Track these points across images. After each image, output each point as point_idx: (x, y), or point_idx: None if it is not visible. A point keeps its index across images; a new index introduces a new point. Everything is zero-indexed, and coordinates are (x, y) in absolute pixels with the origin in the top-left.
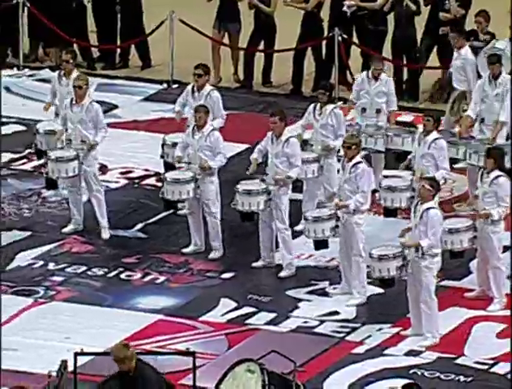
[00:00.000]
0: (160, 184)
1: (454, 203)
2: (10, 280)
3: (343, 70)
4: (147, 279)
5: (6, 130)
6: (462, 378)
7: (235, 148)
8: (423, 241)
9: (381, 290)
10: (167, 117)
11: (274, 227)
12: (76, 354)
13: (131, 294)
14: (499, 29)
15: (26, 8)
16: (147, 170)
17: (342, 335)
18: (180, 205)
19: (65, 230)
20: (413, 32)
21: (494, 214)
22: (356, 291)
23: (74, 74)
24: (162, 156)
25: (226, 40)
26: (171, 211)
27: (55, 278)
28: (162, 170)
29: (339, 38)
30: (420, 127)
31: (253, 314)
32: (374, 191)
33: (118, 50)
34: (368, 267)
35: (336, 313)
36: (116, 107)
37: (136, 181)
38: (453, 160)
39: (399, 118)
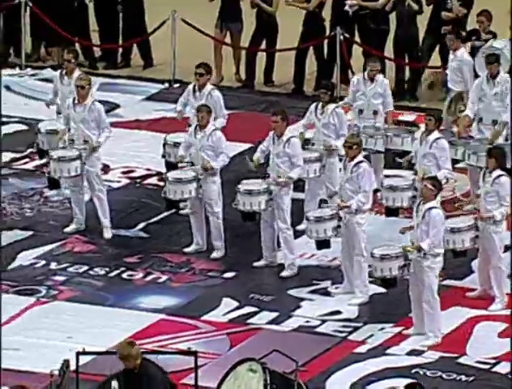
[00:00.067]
0: (161, 183)
1: (455, 202)
2: (12, 280)
3: (344, 69)
4: (149, 278)
5: (7, 129)
6: (464, 378)
7: (237, 148)
8: (423, 243)
9: (383, 290)
10: (169, 117)
11: (275, 226)
12: (78, 353)
13: (133, 294)
14: (501, 29)
15: (28, 8)
16: (148, 170)
17: (344, 334)
18: (182, 204)
19: (67, 230)
20: (415, 32)
21: (496, 214)
22: (358, 290)
23: (76, 73)
24: (163, 156)
25: (228, 39)
26: (173, 210)
27: (57, 277)
28: (164, 170)
29: (341, 37)
30: (422, 127)
31: (255, 313)
32: (376, 191)
33: (120, 50)
34: (369, 266)
35: (338, 312)
36: (118, 106)
37: (138, 180)
38: (454, 161)
39: (401, 118)
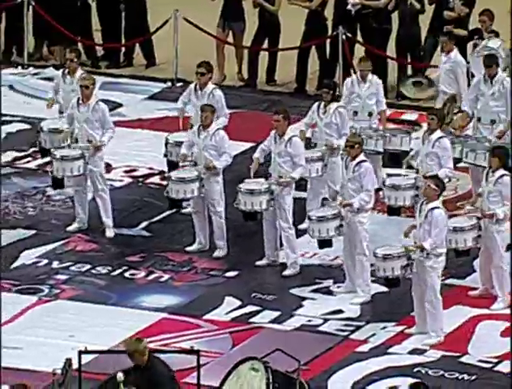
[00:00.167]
0: (164, 182)
1: (457, 201)
2: (14, 279)
3: (347, 68)
4: (151, 277)
5: (10, 128)
6: (466, 377)
7: (239, 147)
8: (426, 243)
9: (385, 288)
10: (171, 116)
11: (278, 226)
12: (80, 352)
13: (135, 293)
14: (503, 28)
15: (31, 7)
16: (151, 169)
17: (346, 333)
18: (185, 203)
19: (69, 229)
20: (417, 31)
21: (499, 213)
22: (361, 289)
23: (79, 72)
24: (165, 155)
25: (230, 38)
26: (175, 209)
27: (59, 276)
28: (166, 169)
29: (344, 37)
30: (425, 126)
31: (258, 312)
32: (377, 190)
33: (123, 49)
34: (372, 265)
35: (340, 311)
36: (120, 105)
37: (140, 179)
38: (456, 160)
39: (403, 117)
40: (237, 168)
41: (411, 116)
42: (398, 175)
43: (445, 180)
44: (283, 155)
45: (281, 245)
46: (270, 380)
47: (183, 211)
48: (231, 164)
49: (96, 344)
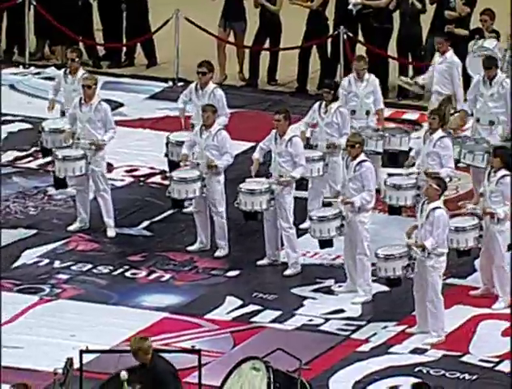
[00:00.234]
0: (165, 182)
1: (458, 201)
2: (15, 278)
3: (348, 68)
4: (153, 277)
5: (11, 128)
6: (467, 376)
7: (240, 146)
8: (427, 241)
9: (386, 288)
10: (172, 116)
11: (278, 225)
12: (82, 352)
13: (136, 292)
14: (504, 28)
15: (32, 6)
16: (152, 168)
17: (347, 333)
18: (187, 203)
19: (70, 228)
20: (418, 30)
21: (500, 212)
22: (362, 289)
23: (80, 72)
24: (166, 155)
25: (231, 38)
26: (177, 209)
27: (60, 276)
28: (167, 168)
29: (345, 36)
30: (425, 125)
31: (259, 311)
32: (376, 191)
33: (124, 48)
34: (373, 265)
35: (341, 311)
36: (121, 105)
37: (141, 179)
38: (455, 160)
39: (404, 116)
40: (238, 168)
41: (412, 115)
42: (400, 175)
43: (447, 179)
44: (283, 155)
45: (282, 244)
46: (272, 380)
47: (184, 210)
48: (232, 163)
49: (97, 344)
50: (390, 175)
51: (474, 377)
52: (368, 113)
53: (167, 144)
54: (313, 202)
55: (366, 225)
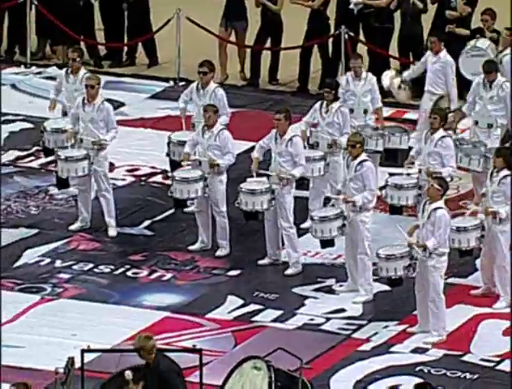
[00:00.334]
0: (166, 182)
1: (459, 200)
2: (17, 278)
3: (349, 68)
4: (154, 276)
5: (13, 127)
6: (468, 376)
7: (241, 146)
8: (428, 241)
9: (387, 287)
10: (173, 115)
11: (279, 225)
12: (83, 351)
13: (138, 291)
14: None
15: (33, 6)
16: (153, 168)
17: (348, 332)
18: (189, 202)
19: (72, 228)
20: (419, 30)
21: (502, 212)
22: (363, 288)
23: (82, 71)
24: (168, 154)
25: (233, 37)
26: (180, 209)
27: (62, 275)
28: (169, 168)
29: (346, 36)
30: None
31: (260, 311)
32: None
33: (125, 48)
34: (374, 265)
35: (342, 310)
36: (123, 105)
37: (143, 178)
38: None
39: (405, 116)
40: (240, 167)
41: (412, 115)
42: (401, 174)
43: (448, 179)
44: (283, 154)
45: (283, 244)
46: (273, 379)
47: (185, 210)
48: (234, 163)
49: (99, 343)
50: (391, 174)
51: (475, 376)
52: (365, 111)
53: (168, 144)
54: (315, 201)
55: (367, 225)
